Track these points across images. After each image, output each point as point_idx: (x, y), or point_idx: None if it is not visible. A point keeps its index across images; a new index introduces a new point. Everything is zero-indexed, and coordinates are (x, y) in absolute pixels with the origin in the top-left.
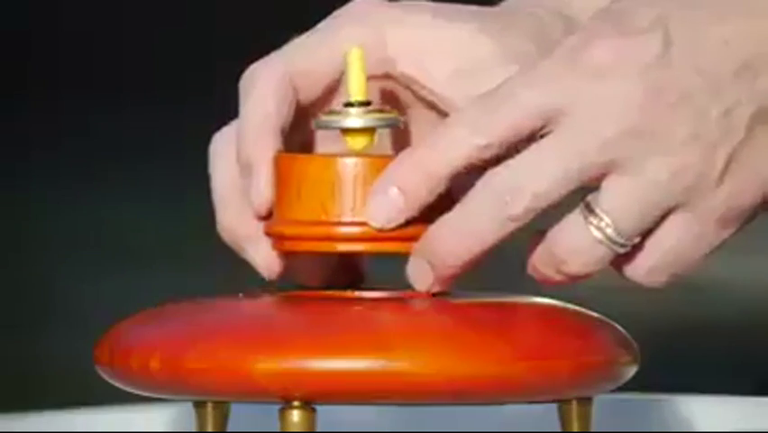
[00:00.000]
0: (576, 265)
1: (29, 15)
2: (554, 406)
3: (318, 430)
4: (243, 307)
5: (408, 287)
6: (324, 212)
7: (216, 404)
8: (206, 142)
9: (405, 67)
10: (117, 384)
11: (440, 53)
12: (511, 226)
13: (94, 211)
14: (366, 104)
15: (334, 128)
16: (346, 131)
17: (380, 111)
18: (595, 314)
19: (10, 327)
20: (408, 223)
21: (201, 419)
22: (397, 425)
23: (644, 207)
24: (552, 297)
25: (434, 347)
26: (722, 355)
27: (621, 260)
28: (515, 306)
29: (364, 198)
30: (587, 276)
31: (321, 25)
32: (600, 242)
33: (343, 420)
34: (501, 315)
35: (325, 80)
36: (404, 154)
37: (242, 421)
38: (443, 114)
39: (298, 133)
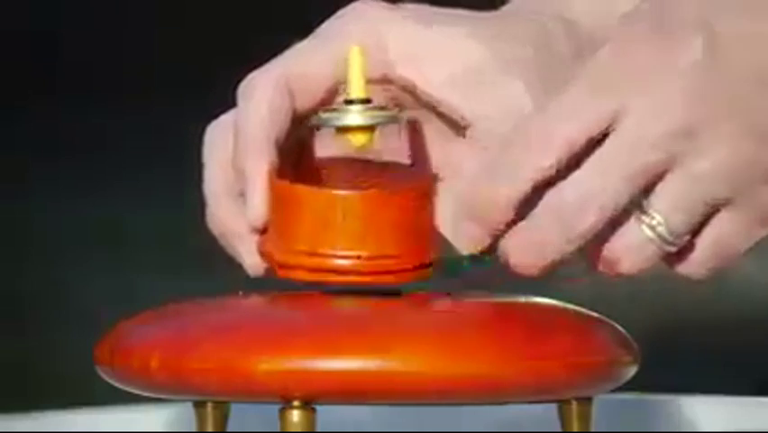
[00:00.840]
0: (628, 263)
1: (29, 15)
2: (554, 406)
3: (318, 430)
4: (243, 307)
5: (408, 288)
6: (317, 244)
7: (216, 404)
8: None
9: (403, 70)
10: (117, 384)
11: (434, 58)
12: (579, 242)
13: (94, 211)
14: (366, 101)
15: (334, 126)
16: (346, 128)
17: (380, 108)
18: (595, 314)
19: (10, 327)
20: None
21: (201, 419)
22: (397, 425)
23: (694, 205)
24: (552, 297)
25: (434, 348)
26: (722, 355)
27: (671, 255)
28: (514, 306)
29: (356, 230)
30: (638, 273)
31: (322, 27)
32: (652, 240)
33: (343, 420)
34: (501, 315)
35: (325, 83)
36: (471, 187)
37: (242, 421)
38: (444, 116)
39: (297, 136)
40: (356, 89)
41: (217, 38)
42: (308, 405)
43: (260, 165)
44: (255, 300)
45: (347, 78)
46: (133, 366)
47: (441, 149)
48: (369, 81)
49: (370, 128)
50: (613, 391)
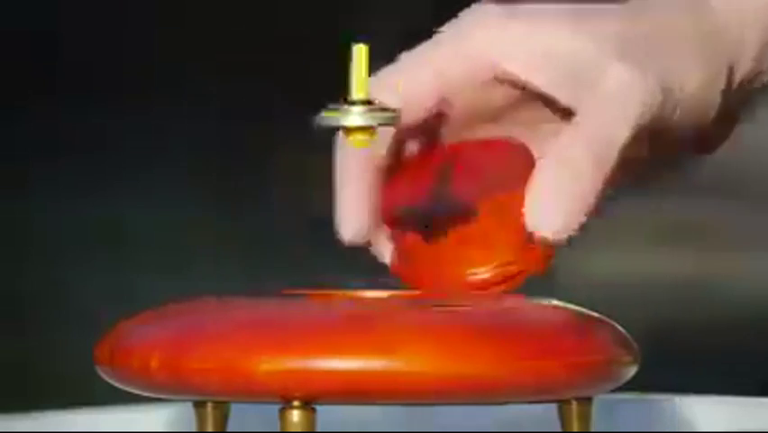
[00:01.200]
0: None
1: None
2: (554, 406)
3: (318, 430)
4: (243, 307)
5: (408, 288)
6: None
7: (216, 404)
8: (206, 141)
9: (516, 70)
10: (117, 384)
11: (543, 56)
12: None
13: (94, 211)
14: (368, 102)
15: (335, 126)
16: (347, 129)
17: (382, 109)
18: (595, 314)
19: (10, 326)
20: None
21: (201, 419)
22: (397, 425)
23: None
24: (551, 297)
25: (434, 347)
26: (722, 355)
27: None
28: (514, 306)
29: (486, 243)
30: None
31: (438, 33)
32: None
33: (343, 420)
34: (501, 315)
35: (429, 97)
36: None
37: (242, 421)
38: (556, 109)
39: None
40: (357, 89)
41: (218, 38)
42: (308, 405)
43: (354, 187)
44: (255, 300)
45: (349, 77)
46: (133, 366)
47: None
48: (480, 83)
49: (370, 129)
50: (613, 391)
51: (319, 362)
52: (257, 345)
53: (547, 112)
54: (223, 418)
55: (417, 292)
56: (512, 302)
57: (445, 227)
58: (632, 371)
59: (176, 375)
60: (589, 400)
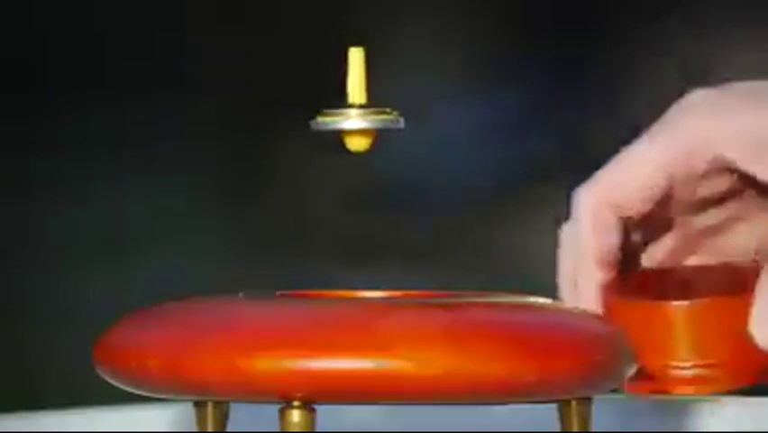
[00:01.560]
0: None
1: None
2: (554, 406)
3: (318, 430)
4: (243, 307)
5: (408, 287)
6: (659, 355)
7: (216, 404)
8: (206, 141)
9: (741, 162)
10: (117, 384)
11: (760, 143)
12: None
13: (94, 210)
14: (366, 105)
15: (334, 129)
16: (346, 132)
17: (381, 112)
18: (595, 314)
19: (9, 326)
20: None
21: (201, 419)
22: (397, 425)
23: None
24: (551, 297)
25: (434, 347)
26: None
27: None
28: (514, 306)
29: (696, 340)
30: None
31: (652, 128)
32: None
33: (343, 420)
34: (501, 315)
35: (649, 191)
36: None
37: (242, 421)
38: None
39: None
40: (355, 93)
41: (218, 38)
42: (308, 405)
43: (589, 284)
44: (255, 300)
45: (348, 81)
46: (133, 366)
47: (763, 243)
48: (703, 175)
49: (369, 132)
50: (613, 391)
51: (319, 362)
52: (257, 345)
53: None
54: (223, 418)
55: (417, 292)
56: (512, 302)
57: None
58: (632, 371)
59: (176, 375)
60: (589, 400)
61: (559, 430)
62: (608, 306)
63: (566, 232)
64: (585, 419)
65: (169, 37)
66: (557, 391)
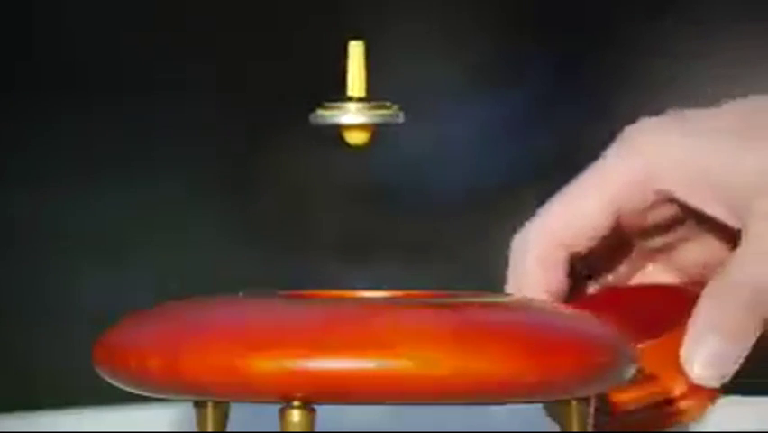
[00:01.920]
0: None
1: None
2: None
3: (318, 430)
4: (243, 307)
5: (408, 287)
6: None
7: (216, 404)
8: (206, 141)
9: (680, 195)
10: (117, 384)
11: (709, 176)
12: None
13: (94, 210)
14: (364, 99)
15: (332, 124)
16: (344, 127)
17: (379, 107)
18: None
19: (9, 326)
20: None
21: (201, 419)
22: (398, 425)
23: None
24: None
25: (434, 347)
26: None
27: None
28: (514, 306)
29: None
30: None
31: (590, 167)
32: None
33: (343, 420)
34: (501, 315)
35: (595, 230)
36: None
37: (242, 421)
38: (715, 226)
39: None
40: (354, 87)
41: (218, 38)
42: (308, 405)
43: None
44: (255, 300)
45: (347, 74)
46: (133, 366)
47: (710, 258)
48: (650, 206)
49: (367, 127)
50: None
51: (319, 362)
52: (257, 345)
53: (718, 226)
54: (223, 418)
55: (417, 292)
56: (512, 302)
57: None
58: (632, 371)
59: (176, 375)
60: (588, 399)
61: (559, 430)
62: None
63: (513, 262)
64: (585, 418)
65: (167, 33)
66: (557, 390)
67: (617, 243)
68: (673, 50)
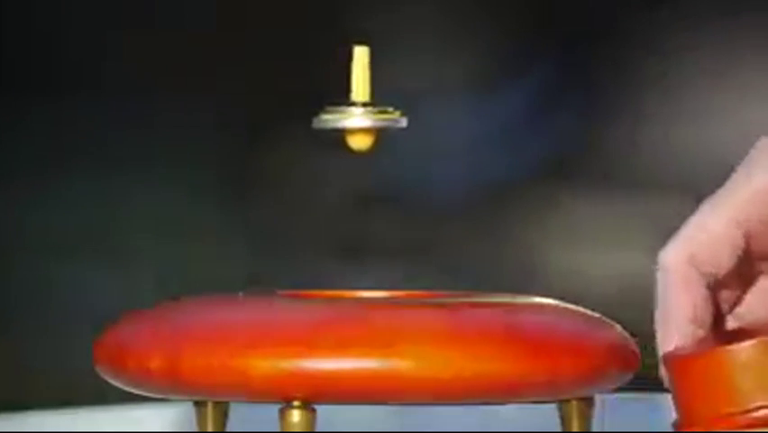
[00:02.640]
0: None
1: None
2: (554, 406)
3: (318, 430)
4: (243, 307)
5: (408, 287)
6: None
7: (216, 404)
8: (206, 141)
9: None
10: (117, 384)
11: None
12: None
13: (93, 210)
14: (369, 104)
15: (337, 128)
16: (348, 131)
17: (383, 111)
18: (595, 314)
19: (9, 326)
20: None
21: (201, 418)
22: (397, 425)
23: None
24: (552, 297)
25: (435, 347)
26: None
27: None
28: (515, 306)
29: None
30: None
31: (732, 176)
32: None
33: (343, 420)
34: (501, 315)
35: (729, 249)
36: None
37: (242, 421)
38: None
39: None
40: (359, 91)
41: (218, 38)
42: (308, 405)
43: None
44: (255, 300)
45: (352, 78)
46: (133, 366)
47: None
48: None
49: (372, 131)
50: (613, 390)
51: (319, 362)
52: (257, 346)
53: None
54: (223, 418)
55: (417, 292)
56: (514, 303)
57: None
58: (632, 371)
59: (176, 375)
60: (589, 400)
61: (559, 430)
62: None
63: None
64: (585, 419)
65: (168, 34)
66: (558, 390)
67: (745, 277)
68: (664, 46)
